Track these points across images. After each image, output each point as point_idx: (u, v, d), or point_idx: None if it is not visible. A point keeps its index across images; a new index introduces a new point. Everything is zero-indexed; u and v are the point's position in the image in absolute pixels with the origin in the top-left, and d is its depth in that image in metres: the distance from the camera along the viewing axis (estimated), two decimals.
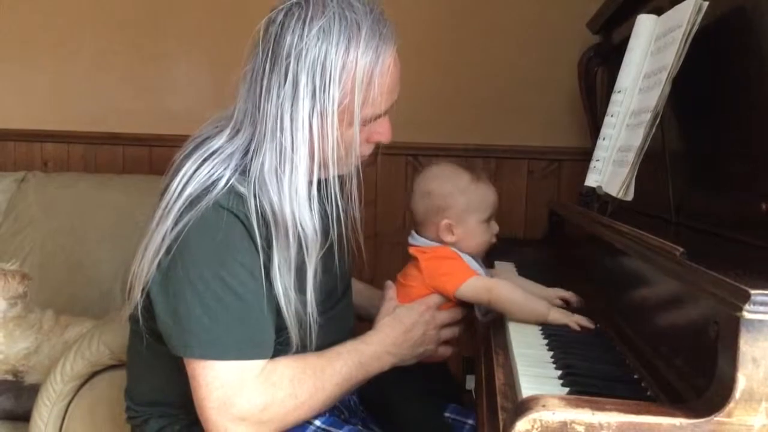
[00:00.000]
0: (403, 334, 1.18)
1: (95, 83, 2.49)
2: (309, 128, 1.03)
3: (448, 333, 1.25)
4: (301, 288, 1.07)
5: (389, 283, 1.29)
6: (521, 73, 2.23)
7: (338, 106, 1.03)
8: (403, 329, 1.18)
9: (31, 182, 2.36)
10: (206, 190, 1.03)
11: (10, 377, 1.81)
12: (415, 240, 1.29)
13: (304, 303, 1.07)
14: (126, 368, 1.27)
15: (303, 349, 1.10)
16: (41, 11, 2.50)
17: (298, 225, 1.04)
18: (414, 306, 1.22)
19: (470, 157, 2.28)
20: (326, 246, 1.10)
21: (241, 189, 1.03)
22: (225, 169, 1.04)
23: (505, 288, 1.19)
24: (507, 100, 2.25)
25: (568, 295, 1.24)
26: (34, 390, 1.64)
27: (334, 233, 1.11)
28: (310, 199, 1.06)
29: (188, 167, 1.05)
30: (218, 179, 1.03)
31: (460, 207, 1.25)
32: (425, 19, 2.24)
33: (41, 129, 2.53)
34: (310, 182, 1.06)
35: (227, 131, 1.08)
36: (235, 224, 1.03)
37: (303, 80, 1.01)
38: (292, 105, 1.02)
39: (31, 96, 2.54)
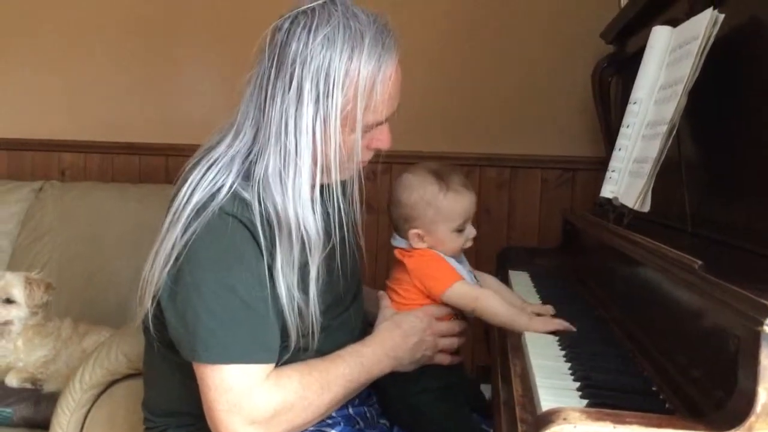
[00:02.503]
0: (402, 339, 1.20)
1: (112, 94, 2.52)
2: (312, 133, 1.05)
3: (446, 342, 1.27)
4: (304, 288, 1.09)
5: (382, 293, 1.31)
6: (535, 83, 2.23)
7: (341, 112, 1.06)
8: (401, 333, 1.20)
9: (48, 192, 2.39)
10: (212, 197, 1.05)
11: (28, 385, 1.83)
12: (398, 242, 1.31)
13: (306, 303, 1.09)
14: (142, 379, 1.29)
15: (305, 351, 1.12)
16: (58, 22, 2.53)
17: (302, 226, 1.07)
18: (412, 312, 1.24)
19: (484, 166, 2.29)
20: (329, 248, 1.12)
21: (245, 194, 1.06)
22: (228, 175, 1.07)
23: (491, 299, 1.22)
24: (521, 109, 2.26)
25: (544, 310, 1.25)
26: (52, 398, 1.66)
27: (336, 236, 1.13)
28: (313, 202, 1.08)
29: (195, 175, 1.07)
30: (222, 186, 1.06)
31: (428, 218, 1.26)
32: (438, 29, 2.25)
33: (58, 139, 2.57)
34: (313, 186, 1.09)
35: (229, 136, 1.11)
36: (241, 230, 1.05)
37: (307, 86, 1.04)
38: (296, 110, 1.05)
39: (48, 107, 2.57)
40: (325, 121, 1.05)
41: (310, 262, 1.09)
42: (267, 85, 1.07)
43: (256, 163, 1.08)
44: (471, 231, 1.30)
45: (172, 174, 2.60)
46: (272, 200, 1.06)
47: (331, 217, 1.12)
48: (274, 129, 1.06)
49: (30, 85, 2.57)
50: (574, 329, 1.15)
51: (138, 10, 2.48)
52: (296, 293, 1.08)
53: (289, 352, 1.10)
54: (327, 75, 1.04)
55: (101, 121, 2.53)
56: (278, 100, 1.05)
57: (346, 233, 1.14)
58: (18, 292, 1.84)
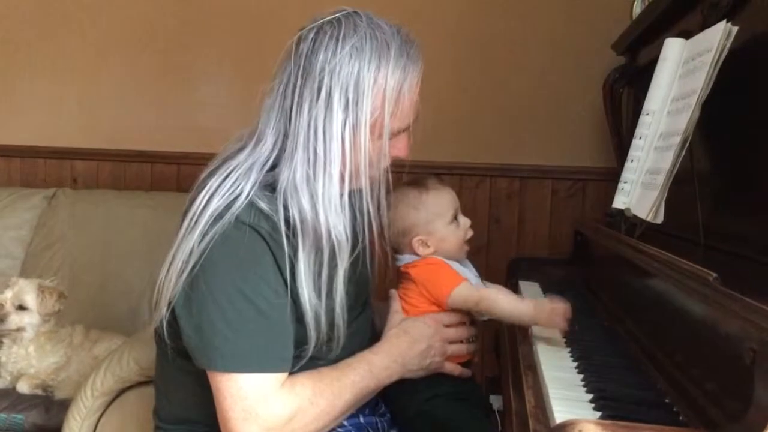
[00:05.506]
0: (410, 345, 1.21)
1: (124, 102, 2.54)
2: (341, 140, 1.07)
3: (454, 348, 1.27)
4: (329, 294, 1.10)
5: (393, 292, 1.31)
6: (546, 93, 2.24)
7: (369, 119, 1.07)
8: (409, 340, 1.21)
9: (61, 199, 2.41)
10: (228, 205, 1.05)
11: (39, 392, 1.84)
12: (401, 260, 1.32)
13: (331, 309, 1.10)
14: (154, 387, 1.29)
15: (319, 359, 1.12)
16: (72, 31, 2.55)
17: (332, 232, 1.07)
18: (420, 318, 1.25)
19: (494, 177, 2.30)
20: (356, 253, 1.13)
21: (261, 203, 1.07)
22: (245, 183, 1.07)
23: (494, 295, 1.25)
24: (531, 119, 2.26)
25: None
26: (63, 405, 1.67)
27: (365, 240, 1.14)
28: (342, 207, 1.09)
29: (213, 182, 1.08)
30: (240, 194, 1.06)
31: (422, 220, 1.28)
32: (448, 40, 2.26)
33: (71, 147, 2.58)
34: (341, 193, 1.10)
35: (250, 145, 1.12)
36: (257, 240, 1.05)
37: (336, 94, 1.05)
38: (324, 117, 1.06)
39: (61, 114, 2.59)
40: (354, 128, 1.07)
41: (339, 267, 1.09)
42: (293, 93, 1.08)
43: (280, 170, 1.08)
44: (465, 221, 1.32)
45: (184, 182, 2.61)
46: (299, 207, 1.06)
47: (359, 222, 1.13)
48: (302, 137, 1.07)
49: (43, 93, 2.60)
50: (569, 329, 1.16)
51: (152, 21, 2.50)
52: (323, 300, 1.08)
53: (304, 360, 1.10)
54: (356, 83, 1.06)
55: (113, 129, 2.55)
56: (306, 108, 1.06)
57: (374, 238, 1.15)
58: (31, 299, 1.85)
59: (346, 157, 1.07)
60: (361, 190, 1.12)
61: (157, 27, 2.50)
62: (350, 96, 1.05)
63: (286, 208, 1.07)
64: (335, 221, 1.08)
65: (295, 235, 1.07)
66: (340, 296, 1.10)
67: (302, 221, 1.06)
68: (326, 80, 1.05)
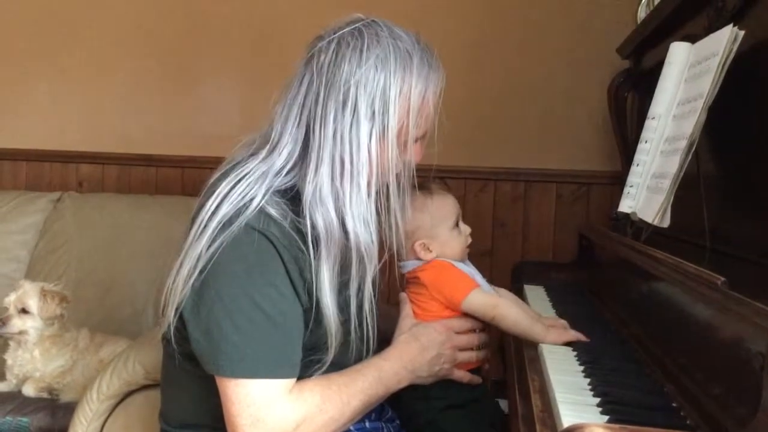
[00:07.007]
0: (420, 352, 1.20)
1: (129, 106, 2.55)
2: (368, 150, 1.07)
3: (464, 356, 1.27)
4: (357, 300, 1.11)
5: (403, 296, 1.31)
6: (550, 97, 2.24)
7: (396, 128, 1.08)
8: (419, 347, 1.21)
9: (66, 202, 2.42)
10: (239, 211, 1.05)
11: (45, 395, 1.85)
12: (406, 266, 1.32)
13: (359, 316, 1.11)
14: (160, 391, 1.29)
15: (339, 366, 1.12)
16: (77, 36, 2.56)
17: (362, 244, 1.08)
18: (431, 325, 1.25)
19: (499, 180, 2.30)
20: (383, 260, 1.14)
21: (272, 210, 1.06)
22: (258, 190, 1.07)
23: (509, 307, 1.25)
24: (536, 123, 2.26)
25: (559, 324, 1.26)
26: (68, 408, 1.67)
27: (392, 247, 1.14)
28: (370, 217, 1.10)
29: (222, 187, 1.08)
30: (251, 200, 1.06)
31: (426, 224, 1.28)
32: (454, 44, 2.26)
33: (76, 150, 2.59)
34: (368, 202, 1.10)
35: (263, 153, 1.11)
36: (267, 245, 1.05)
37: (363, 106, 1.06)
38: (351, 129, 1.06)
39: (66, 118, 2.60)
40: (381, 139, 1.07)
41: (368, 276, 1.10)
42: (315, 105, 1.08)
43: (302, 183, 1.08)
44: (466, 228, 1.33)
45: (189, 186, 2.61)
46: (325, 219, 1.06)
47: (384, 229, 1.13)
48: (328, 148, 1.07)
49: (49, 97, 2.61)
50: (588, 339, 1.17)
51: (157, 26, 2.51)
52: (352, 308, 1.09)
53: (325, 366, 1.10)
54: (383, 94, 1.06)
55: (119, 133, 2.56)
56: (330, 119, 1.06)
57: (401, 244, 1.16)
58: (33, 303, 1.85)
59: (373, 167, 1.08)
60: (388, 197, 1.12)
61: (162, 32, 2.50)
62: (377, 107, 1.06)
63: (311, 219, 1.06)
64: (364, 234, 1.08)
65: (317, 246, 1.07)
66: (368, 303, 1.11)
67: (329, 234, 1.06)
68: (352, 91, 1.06)
